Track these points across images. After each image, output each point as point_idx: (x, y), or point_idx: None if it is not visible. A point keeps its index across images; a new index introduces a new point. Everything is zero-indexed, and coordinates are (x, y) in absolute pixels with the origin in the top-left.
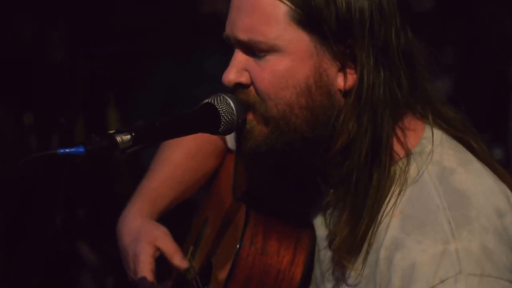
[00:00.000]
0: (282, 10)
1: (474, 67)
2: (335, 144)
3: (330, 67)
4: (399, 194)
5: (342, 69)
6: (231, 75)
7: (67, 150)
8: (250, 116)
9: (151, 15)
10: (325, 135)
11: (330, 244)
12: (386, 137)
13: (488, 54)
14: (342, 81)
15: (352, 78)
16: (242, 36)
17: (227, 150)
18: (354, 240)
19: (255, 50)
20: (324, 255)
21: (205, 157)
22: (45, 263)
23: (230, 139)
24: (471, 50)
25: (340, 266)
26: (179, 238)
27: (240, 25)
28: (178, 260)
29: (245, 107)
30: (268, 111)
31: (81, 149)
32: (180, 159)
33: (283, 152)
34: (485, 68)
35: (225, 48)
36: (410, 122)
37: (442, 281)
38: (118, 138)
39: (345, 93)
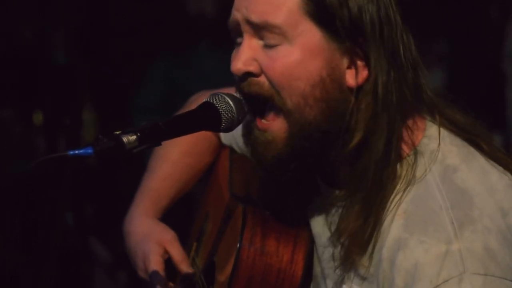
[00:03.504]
0: (295, 1)
1: (468, 55)
2: (351, 141)
3: (341, 63)
4: (403, 192)
5: (352, 66)
6: (239, 64)
7: (77, 152)
8: (260, 123)
9: (146, 14)
10: (340, 128)
11: (336, 241)
12: (396, 136)
13: (481, 43)
14: (353, 77)
15: (363, 74)
16: (255, 18)
17: (221, 145)
18: (365, 235)
19: (265, 34)
20: (324, 252)
21: (201, 153)
22: (57, 260)
23: (224, 134)
24: (464, 39)
25: (347, 262)
26: (181, 231)
27: (253, 8)
28: (185, 267)
29: (246, 108)
30: (284, 103)
31: (89, 150)
32: (177, 157)
33: (303, 149)
34: (479, 56)
35: (222, 47)
36: (415, 121)
37: (445, 281)
38: (125, 139)
39: (357, 89)
